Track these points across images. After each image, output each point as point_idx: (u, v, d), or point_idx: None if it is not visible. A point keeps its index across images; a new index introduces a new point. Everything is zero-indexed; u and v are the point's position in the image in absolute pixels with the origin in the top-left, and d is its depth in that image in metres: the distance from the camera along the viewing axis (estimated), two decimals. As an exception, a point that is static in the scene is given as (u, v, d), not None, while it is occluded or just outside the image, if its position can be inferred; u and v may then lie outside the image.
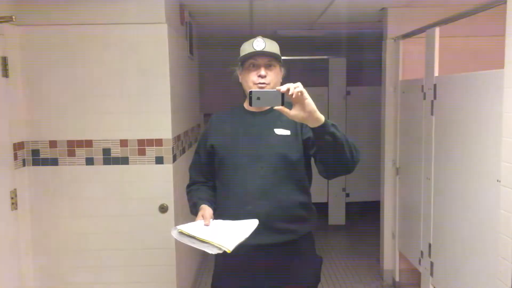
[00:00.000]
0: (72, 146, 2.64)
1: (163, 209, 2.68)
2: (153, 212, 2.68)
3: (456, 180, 2.51)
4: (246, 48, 1.83)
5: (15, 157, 2.48)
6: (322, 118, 1.53)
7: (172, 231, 1.68)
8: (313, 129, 1.56)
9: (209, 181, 1.98)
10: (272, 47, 1.83)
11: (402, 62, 3.48)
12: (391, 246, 3.69)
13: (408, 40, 3.39)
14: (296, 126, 1.82)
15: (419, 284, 3.08)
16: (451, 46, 3.12)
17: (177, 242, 2.54)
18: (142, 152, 2.66)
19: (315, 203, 1.95)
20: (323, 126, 1.53)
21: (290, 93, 1.48)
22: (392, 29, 3.53)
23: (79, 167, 2.65)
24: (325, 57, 5.11)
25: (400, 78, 3.49)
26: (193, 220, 1.78)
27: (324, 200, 5.27)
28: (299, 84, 1.50)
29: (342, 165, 1.64)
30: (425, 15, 3.11)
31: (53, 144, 2.63)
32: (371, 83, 4.98)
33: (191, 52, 3.77)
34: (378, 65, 3.83)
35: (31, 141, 2.62)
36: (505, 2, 1.99)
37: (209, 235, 1.61)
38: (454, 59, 3.19)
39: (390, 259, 3.71)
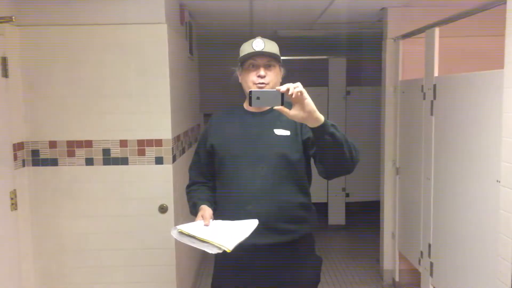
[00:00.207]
0: (72, 147, 2.64)
1: (163, 209, 2.68)
2: (153, 212, 2.68)
3: (456, 180, 2.51)
4: (246, 48, 1.83)
5: (15, 158, 2.48)
6: (321, 118, 1.53)
7: (172, 231, 1.68)
8: (312, 129, 1.56)
9: (209, 182, 1.98)
10: (272, 47, 1.83)
11: (402, 62, 3.48)
12: (391, 246, 3.69)
13: (408, 40, 3.39)
14: (296, 126, 1.82)
15: (419, 284, 3.08)
16: (451, 46, 3.11)
17: (177, 242, 2.54)
18: (142, 153, 2.66)
19: (315, 203, 1.95)
20: (323, 126, 1.53)
21: (289, 93, 1.48)
22: (392, 29, 3.54)
23: (79, 167, 2.65)
24: (325, 57, 5.12)
25: (400, 78, 3.50)
26: (193, 220, 1.78)
27: (324, 200, 5.27)
28: (298, 84, 1.50)
29: (341, 165, 1.64)
30: (425, 15, 3.11)
31: (52, 144, 2.63)
32: (371, 83, 4.97)
33: (191, 52, 3.77)
34: (378, 65, 3.83)
35: (31, 142, 2.62)
36: (505, 2, 1.99)
37: (209, 235, 1.61)
38: (454, 59, 3.19)
39: (390, 259, 3.71)
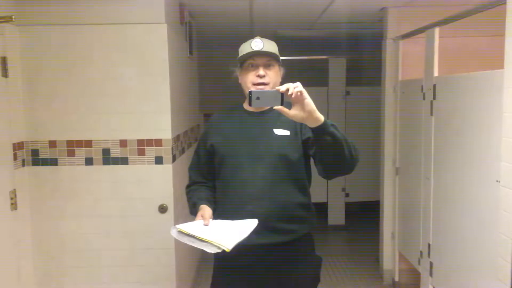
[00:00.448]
0: (72, 146, 2.64)
1: (162, 209, 2.68)
2: (153, 212, 2.68)
3: (456, 180, 2.51)
4: (245, 48, 1.83)
5: (15, 157, 2.48)
6: (321, 118, 1.53)
7: (171, 230, 1.68)
8: (312, 129, 1.56)
9: (208, 181, 1.98)
10: (271, 47, 1.83)
11: (401, 62, 3.48)
12: (390, 246, 3.69)
13: (407, 40, 3.39)
14: (295, 126, 1.82)
15: (418, 284, 3.08)
16: (451, 46, 3.11)
17: (177, 242, 2.54)
18: (141, 152, 2.66)
19: (314, 203, 1.95)
20: (323, 126, 1.53)
21: (289, 93, 1.48)
22: (392, 29, 3.54)
23: (78, 167, 2.65)
24: (324, 57, 5.11)
25: (400, 78, 3.50)
26: (193, 220, 1.78)
27: (324, 200, 5.27)
28: (298, 84, 1.50)
29: (341, 165, 1.64)
30: (425, 15, 3.11)
31: (52, 144, 2.63)
32: (371, 83, 4.97)
33: (191, 52, 3.77)
34: (377, 65, 3.83)
35: (31, 141, 2.62)
36: (505, 2, 1.99)
37: (209, 234, 1.61)
38: (454, 59, 3.19)
39: (389, 259, 3.71)
